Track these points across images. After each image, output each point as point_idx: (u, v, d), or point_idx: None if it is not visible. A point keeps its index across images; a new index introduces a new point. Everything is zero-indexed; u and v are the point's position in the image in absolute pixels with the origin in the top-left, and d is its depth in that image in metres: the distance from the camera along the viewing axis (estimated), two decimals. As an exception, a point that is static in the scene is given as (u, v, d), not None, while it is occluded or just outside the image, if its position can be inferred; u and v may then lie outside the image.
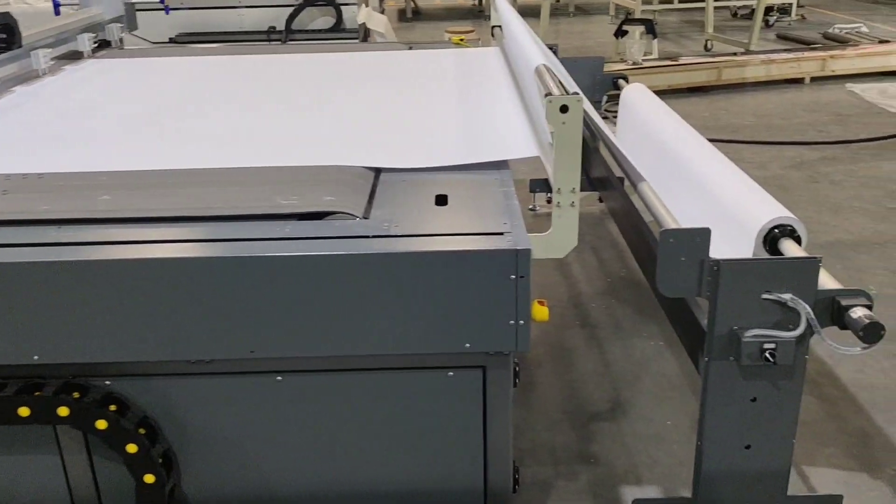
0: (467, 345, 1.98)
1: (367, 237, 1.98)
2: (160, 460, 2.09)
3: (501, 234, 1.99)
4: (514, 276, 1.92)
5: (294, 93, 3.35)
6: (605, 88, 5.05)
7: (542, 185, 5.04)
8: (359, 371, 2.08)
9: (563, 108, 1.94)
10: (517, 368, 2.68)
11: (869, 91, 7.93)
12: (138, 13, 8.05)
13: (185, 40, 7.70)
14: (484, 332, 1.97)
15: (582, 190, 2.09)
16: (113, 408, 2.04)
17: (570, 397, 3.22)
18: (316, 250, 1.92)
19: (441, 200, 2.23)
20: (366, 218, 2.10)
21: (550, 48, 4.69)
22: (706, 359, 2.16)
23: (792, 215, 2.42)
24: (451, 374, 2.07)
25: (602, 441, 2.96)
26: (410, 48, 4.70)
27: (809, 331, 2.09)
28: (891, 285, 4.05)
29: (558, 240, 2.07)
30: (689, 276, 2.11)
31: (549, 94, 1.96)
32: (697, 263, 2.10)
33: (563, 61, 4.66)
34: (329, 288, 1.92)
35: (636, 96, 4.11)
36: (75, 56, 4.35)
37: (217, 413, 2.13)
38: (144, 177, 2.39)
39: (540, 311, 1.98)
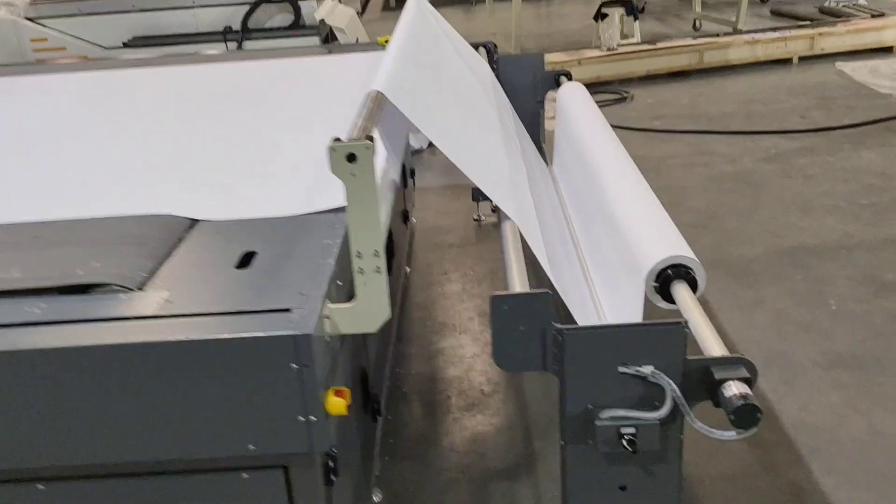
0: (251, 447, 1.65)
1: (126, 319, 1.64)
2: None
3: (288, 310, 1.65)
4: (295, 366, 1.57)
5: (126, 122, 2.94)
6: (547, 87, 4.61)
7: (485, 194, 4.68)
8: (137, 476, 1.74)
9: (351, 157, 1.58)
10: (377, 404, 2.29)
11: (859, 70, 7.44)
12: (90, 17, 7.77)
13: (140, 44, 7.41)
14: (268, 431, 1.63)
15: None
16: None
17: (472, 452, 2.87)
18: (57, 341, 1.58)
19: (245, 260, 1.88)
20: (140, 290, 1.76)
21: (484, 46, 4.31)
22: (562, 443, 1.81)
23: (689, 255, 2.05)
24: (246, 476, 1.73)
25: (497, 506, 2.61)
26: (330, 52, 4.34)
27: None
28: (852, 298, 3.65)
29: (366, 311, 1.71)
30: (531, 348, 1.76)
31: (337, 139, 1.60)
32: (539, 333, 1.74)
33: (502, 60, 4.29)
34: (78, 386, 1.59)
35: (570, 100, 3.74)
36: None
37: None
38: None
39: (336, 405, 1.63)
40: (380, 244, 1.65)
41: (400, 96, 2.02)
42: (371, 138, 1.61)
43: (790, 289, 3.77)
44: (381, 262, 1.67)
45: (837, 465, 2.69)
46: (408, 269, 4.20)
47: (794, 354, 3.26)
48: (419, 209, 4.89)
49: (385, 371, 2.86)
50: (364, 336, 2.33)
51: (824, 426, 2.88)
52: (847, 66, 7.58)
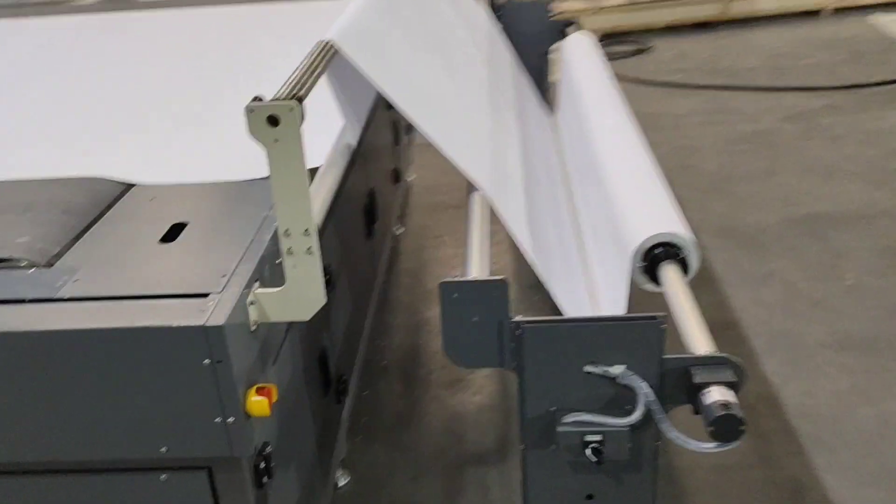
0: (163, 449, 1.46)
1: (22, 301, 1.45)
2: None
3: (206, 295, 1.44)
4: (208, 361, 1.38)
5: (67, 74, 2.69)
6: (554, 36, 4.31)
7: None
8: (42, 474, 1.56)
9: (273, 120, 1.36)
10: (344, 384, 2.17)
11: (894, 23, 7.01)
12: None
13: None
14: (182, 433, 1.45)
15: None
16: None
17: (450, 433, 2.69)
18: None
19: (172, 233, 1.68)
20: (49, 266, 1.57)
21: (488, -11, 4.03)
22: (522, 447, 1.61)
23: (681, 232, 1.82)
24: (164, 477, 1.55)
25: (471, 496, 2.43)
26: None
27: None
28: (871, 272, 3.38)
29: (297, 297, 1.51)
30: (486, 343, 1.54)
31: (257, 98, 1.38)
32: (495, 325, 1.53)
33: (505, 8, 4.03)
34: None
35: (575, 52, 3.47)
36: None
37: None
38: None
39: (258, 406, 1.44)
40: (310, 222, 1.44)
41: (355, 47, 1.79)
42: (301, 99, 1.38)
43: (803, 261, 3.51)
44: (314, 242, 1.46)
45: (841, 458, 2.48)
46: (401, 230, 3.99)
47: (801, 334, 3.02)
48: (418, 167, 4.64)
49: (359, 346, 2.66)
50: (327, 313, 2.13)
51: (829, 415, 2.65)
52: (881, 19, 7.15)
